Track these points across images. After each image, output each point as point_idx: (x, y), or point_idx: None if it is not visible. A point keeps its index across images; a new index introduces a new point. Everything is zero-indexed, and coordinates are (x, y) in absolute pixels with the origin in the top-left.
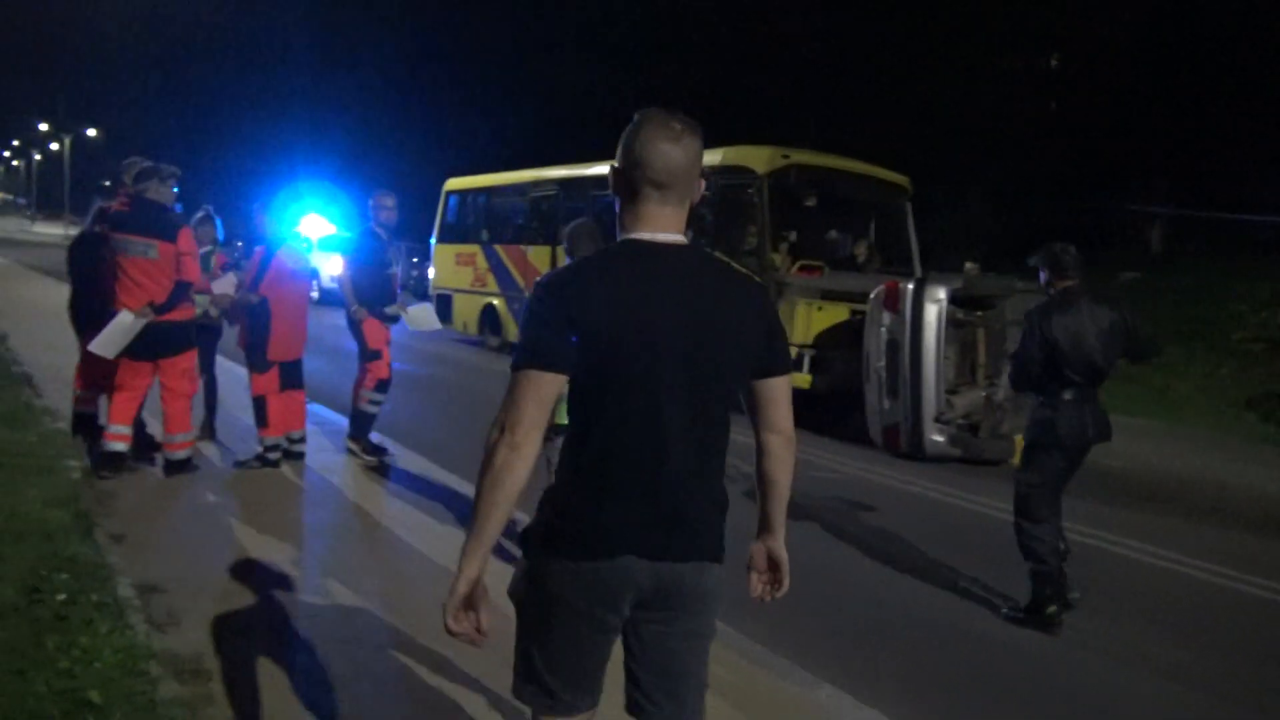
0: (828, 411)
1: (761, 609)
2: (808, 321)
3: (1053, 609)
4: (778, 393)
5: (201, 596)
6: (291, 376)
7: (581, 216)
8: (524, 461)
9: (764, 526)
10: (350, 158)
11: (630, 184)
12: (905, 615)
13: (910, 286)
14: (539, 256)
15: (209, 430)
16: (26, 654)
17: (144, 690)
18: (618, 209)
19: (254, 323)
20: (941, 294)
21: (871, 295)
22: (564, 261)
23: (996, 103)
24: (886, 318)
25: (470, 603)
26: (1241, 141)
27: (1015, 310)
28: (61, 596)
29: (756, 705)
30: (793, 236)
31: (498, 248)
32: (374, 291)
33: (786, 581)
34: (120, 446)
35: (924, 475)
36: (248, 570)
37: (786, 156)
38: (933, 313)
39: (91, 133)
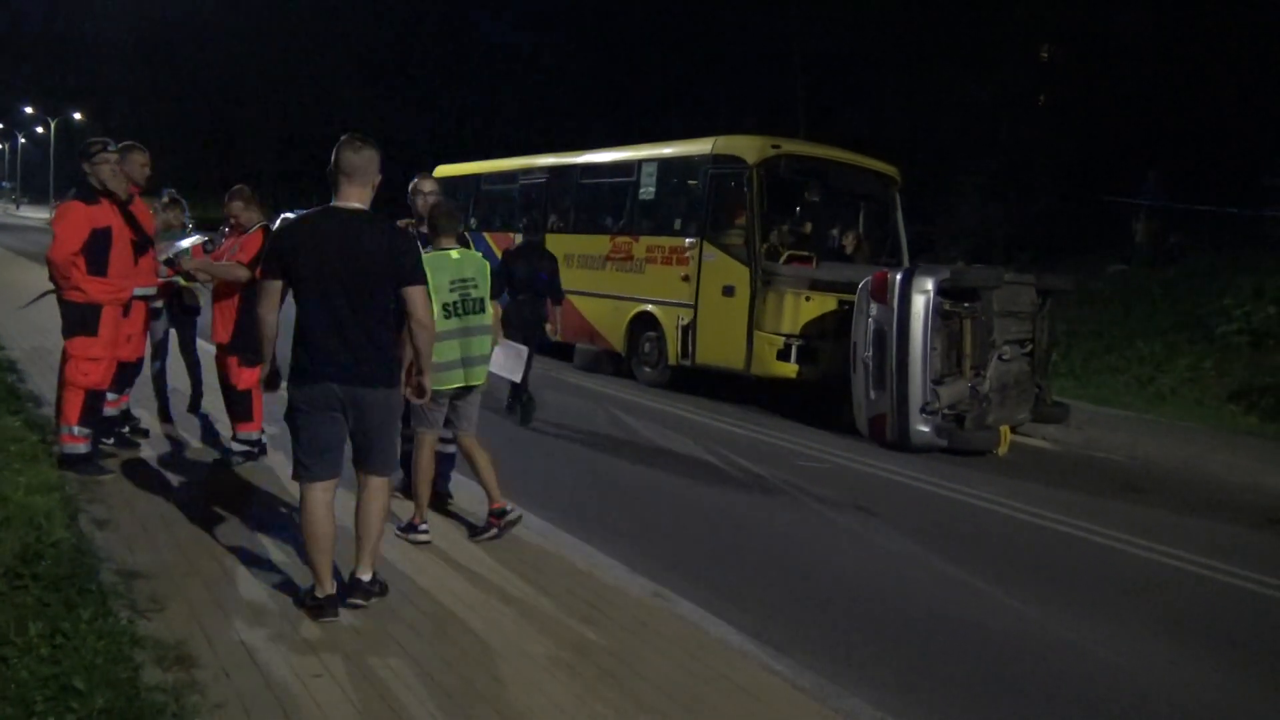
0: (815, 401)
1: (749, 601)
2: (795, 312)
3: None
4: (414, 296)
5: (186, 583)
6: None
7: (447, 199)
8: (270, 321)
9: (415, 371)
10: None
11: (334, 175)
12: (890, 605)
13: (898, 277)
14: None
15: (191, 409)
16: (9, 640)
17: (128, 676)
18: (334, 191)
19: (250, 313)
20: (929, 285)
21: (859, 285)
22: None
23: (987, 95)
24: (874, 308)
25: (271, 383)
26: (1231, 134)
27: (1003, 302)
28: (44, 583)
29: (741, 695)
30: (783, 226)
31: (486, 235)
32: None
33: (424, 391)
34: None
35: (910, 465)
36: (232, 557)
37: (777, 146)
38: (920, 304)
39: (77, 116)
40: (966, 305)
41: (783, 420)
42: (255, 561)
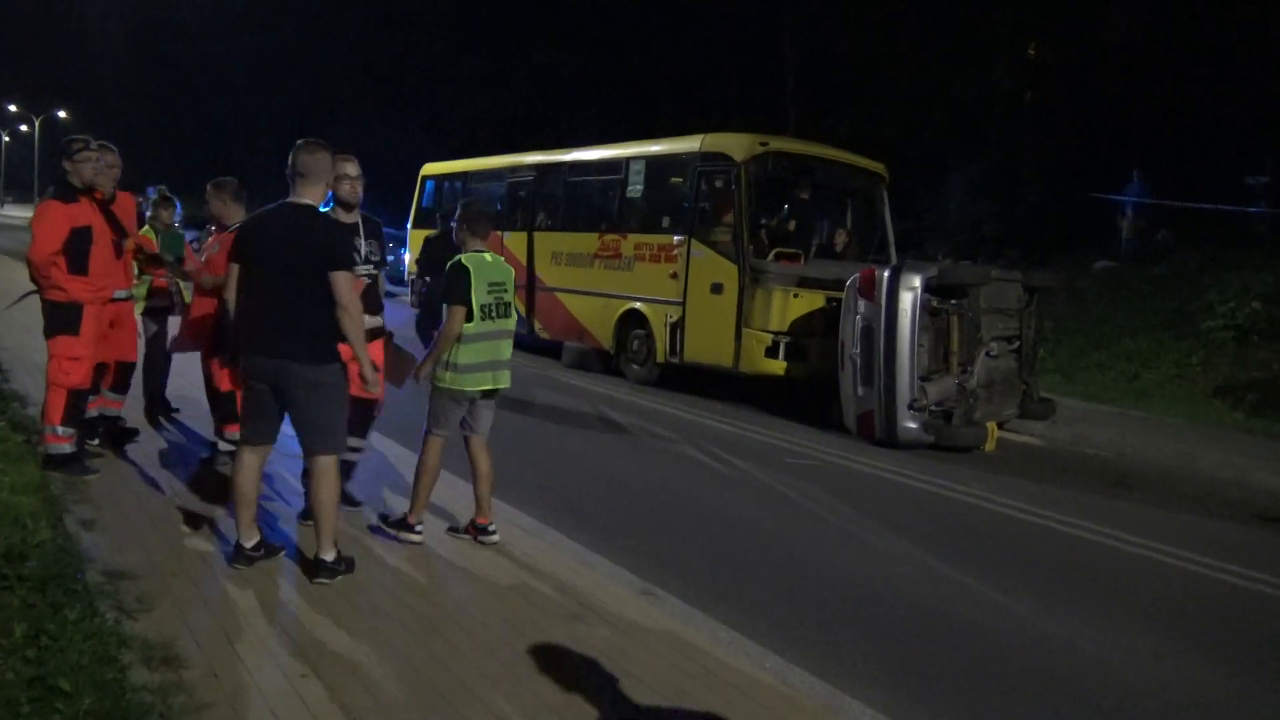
0: (803, 398)
1: (738, 599)
2: (784, 309)
3: None
4: (337, 280)
5: (173, 583)
6: None
7: (467, 198)
8: (231, 300)
9: (353, 355)
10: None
11: (290, 174)
12: (879, 601)
13: (886, 274)
14: (515, 242)
15: (156, 409)
16: None
17: (114, 677)
18: (290, 189)
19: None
20: (916, 282)
21: (847, 283)
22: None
23: (975, 93)
24: (862, 305)
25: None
26: (1217, 133)
27: (990, 299)
28: (30, 583)
29: (731, 692)
30: (772, 223)
31: None
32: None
33: (367, 380)
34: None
35: (898, 462)
36: (220, 557)
37: (764, 144)
38: (908, 300)
39: (62, 114)
40: (954, 302)
41: (771, 417)
42: (241, 561)
